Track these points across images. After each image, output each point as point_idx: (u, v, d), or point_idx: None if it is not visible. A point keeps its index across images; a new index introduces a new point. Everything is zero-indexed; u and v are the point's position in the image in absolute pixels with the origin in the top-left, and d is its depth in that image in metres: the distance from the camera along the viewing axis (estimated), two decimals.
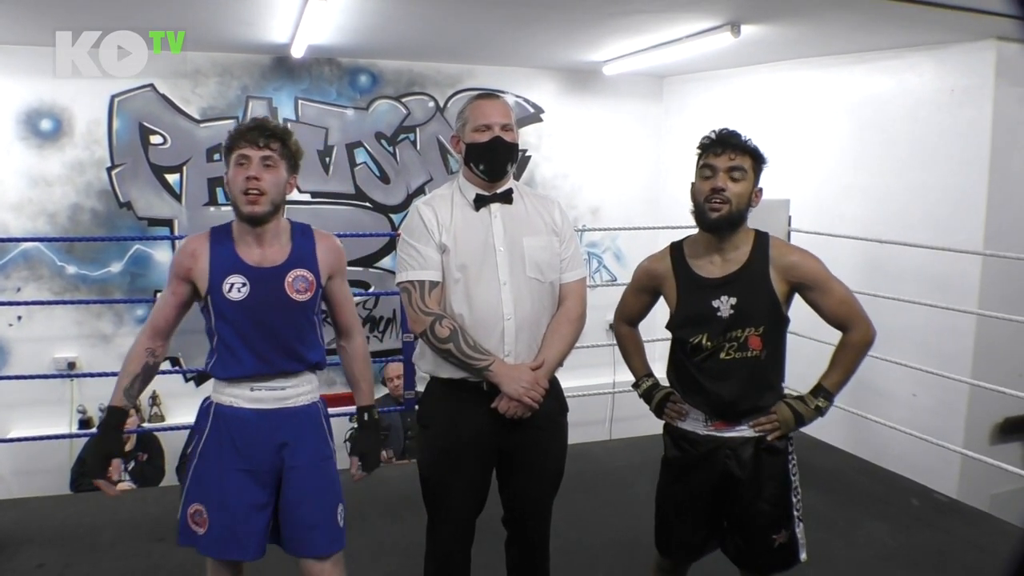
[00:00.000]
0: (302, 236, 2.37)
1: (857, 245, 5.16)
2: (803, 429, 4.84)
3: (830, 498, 4.15)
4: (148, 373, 2.37)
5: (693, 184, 2.35)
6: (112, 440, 2.30)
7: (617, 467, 4.47)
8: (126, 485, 5.07)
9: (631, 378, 2.65)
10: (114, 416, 2.30)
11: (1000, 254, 4.14)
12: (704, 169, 2.31)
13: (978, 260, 4.69)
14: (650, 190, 7.42)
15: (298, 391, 2.34)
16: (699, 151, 2.35)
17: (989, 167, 4.77)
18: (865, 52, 5.52)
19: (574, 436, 2.58)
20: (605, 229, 7.03)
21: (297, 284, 2.29)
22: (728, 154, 2.27)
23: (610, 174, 7.39)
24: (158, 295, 6.17)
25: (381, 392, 6.02)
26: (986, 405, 4.79)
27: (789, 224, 4.82)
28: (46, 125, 5.90)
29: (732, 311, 2.29)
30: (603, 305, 3.22)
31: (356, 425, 2.51)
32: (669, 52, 5.65)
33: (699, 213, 2.31)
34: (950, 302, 4.38)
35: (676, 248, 2.45)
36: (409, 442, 5.45)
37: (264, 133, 2.23)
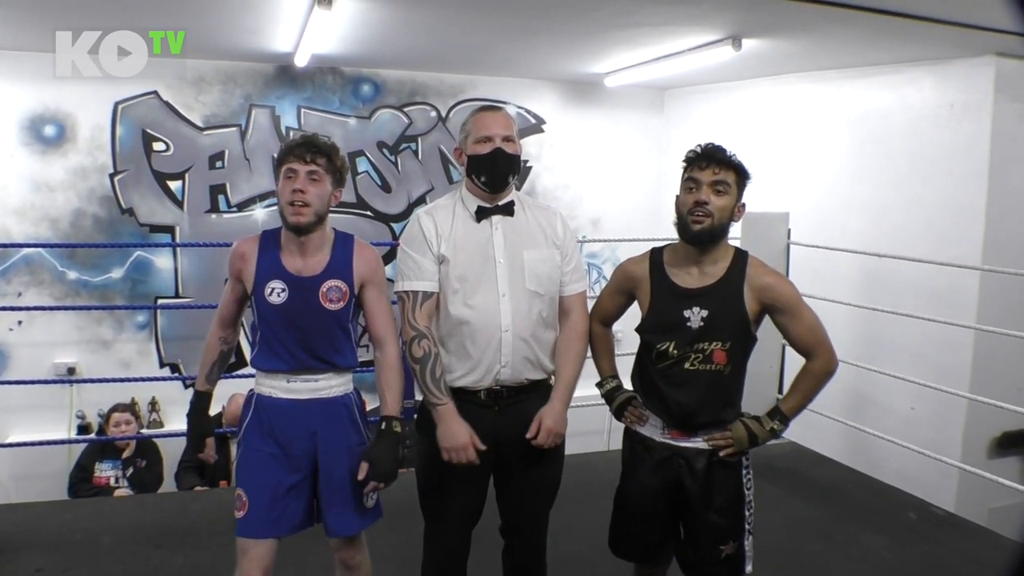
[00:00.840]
0: (342, 247, 2.51)
1: (856, 259, 5.17)
2: (801, 442, 4.85)
3: (827, 511, 4.15)
4: (224, 359, 2.62)
5: (677, 196, 2.39)
6: (203, 422, 2.59)
7: (615, 477, 4.46)
8: (124, 492, 5.07)
9: (631, 387, 2.66)
10: (201, 400, 2.59)
11: (998, 269, 4.15)
12: (688, 182, 2.35)
13: (976, 274, 4.70)
14: (651, 201, 7.44)
15: (330, 383, 2.49)
16: (684, 164, 2.38)
17: (988, 182, 4.79)
18: (865, 67, 5.55)
19: (572, 446, 2.59)
20: (605, 240, 7.05)
21: (331, 294, 2.43)
22: (712, 168, 2.31)
23: (611, 185, 7.42)
24: (160, 301, 6.22)
25: None
26: (984, 419, 4.79)
27: (788, 237, 4.83)
28: (49, 131, 5.93)
29: (702, 323, 2.33)
30: None
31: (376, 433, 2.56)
32: (670, 65, 5.68)
33: (682, 225, 2.35)
34: (949, 316, 4.39)
35: (656, 254, 2.49)
36: (407, 451, 5.45)
37: (311, 149, 2.39)
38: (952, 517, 4.14)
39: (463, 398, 2.43)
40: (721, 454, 2.38)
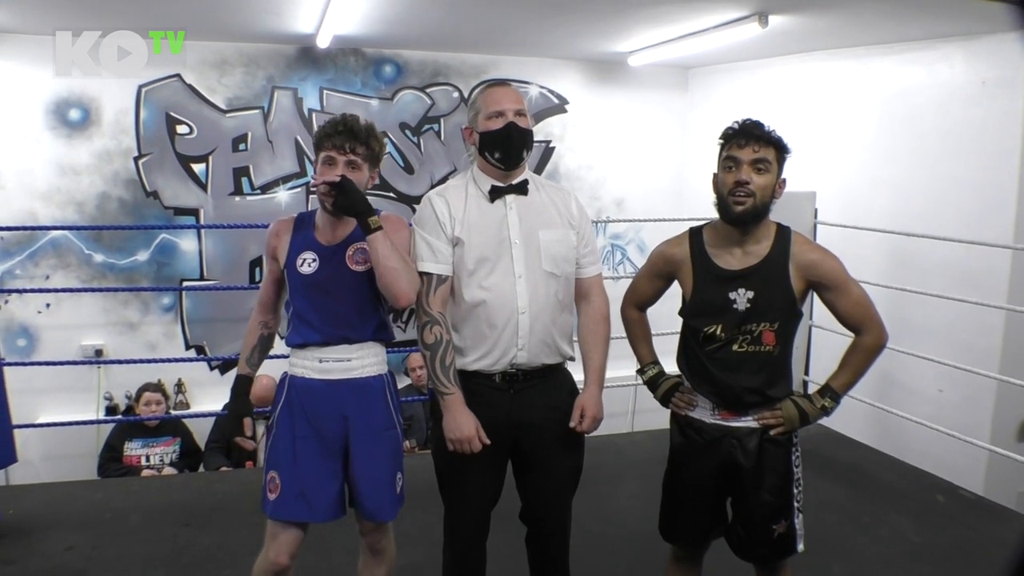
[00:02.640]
0: None
1: (884, 238, 5.10)
2: (828, 424, 4.82)
3: (855, 493, 4.12)
4: (264, 343, 2.62)
5: (715, 175, 2.32)
6: (243, 404, 2.56)
7: (640, 459, 4.46)
8: (170, 470, 5.15)
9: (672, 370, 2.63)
10: (240, 383, 2.58)
11: None
12: (727, 161, 2.28)
13: (1008, 254, 4.62)
14: (675, 182, 7.38)
15: (363, 362, 2.46)
16: (721, 142, 2.32)
17: (1020, 160, 4.69)
18: (895, 43, 5.44)
19: (597, 429, 2.56)
20: (629, 220, 7.01)
21: (357, 256, 2.42)
22: (752, 146, 2.24)
23: (634, 166, 7.36)
24: (185, 284, 6.27)
25: (404, 382, 6.04)
26: (1014, 401, 4.72)
27: (815, 217, 4.78)
28: (75, 115, 5.96)
29: (749, 304, 2.28)
30: None
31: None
32: (695, 43, 5.61)
33: (722, 206, 2.29)
34: (979, 297, 4.32)
35: (696, 234, 2.43)
36: (431, 432, 5.47)
37: (350, 138, 2.37)
38: (981, 500, 4.10)
39: (478, 381, 2.40)
40: (772, 433, 2.34)
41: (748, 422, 2.36)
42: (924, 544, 3.63)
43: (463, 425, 2.31)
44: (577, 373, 2.57)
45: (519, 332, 2.37)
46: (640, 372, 2.61)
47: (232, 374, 2.66)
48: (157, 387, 5.63)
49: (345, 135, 2.36)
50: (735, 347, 2.30)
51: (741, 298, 2.29)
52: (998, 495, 4.21)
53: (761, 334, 2.29)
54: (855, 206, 5.40)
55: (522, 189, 2.44)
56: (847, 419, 4.99)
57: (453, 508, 2.55)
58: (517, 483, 2.57)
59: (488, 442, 2.33)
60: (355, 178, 2.36)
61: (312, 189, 2.64)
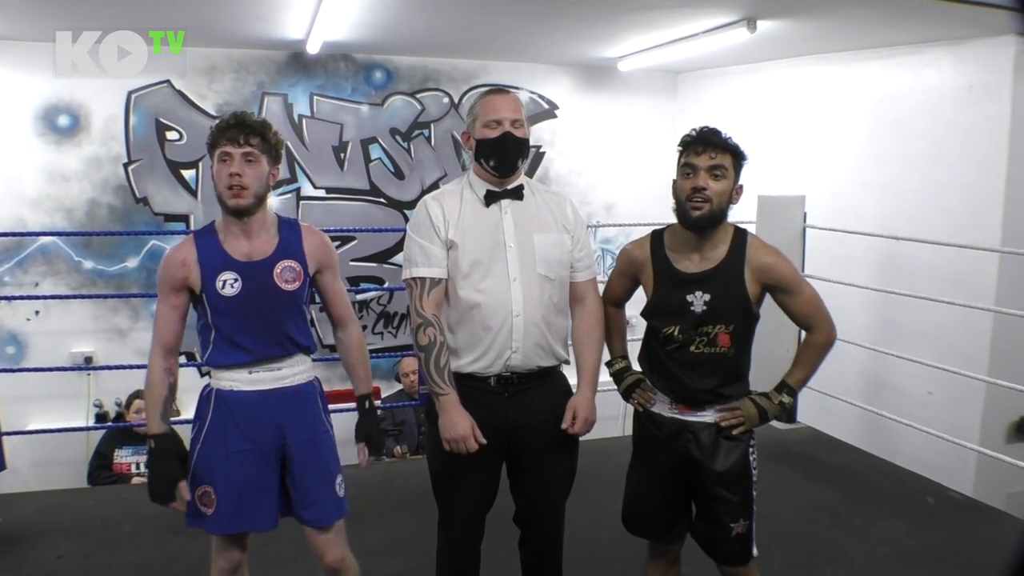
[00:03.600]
0: (289, 229, 2.43)
1: (873, 242, 5.13)
2: (818, 427, 4.84)
3: (845, 496, 4.14)
4: (172, 392, 2.45)
5: (674, 181, 2.39)
6: (171, 466, 2.35)
7: None
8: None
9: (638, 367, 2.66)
10: (162, 443, 2.36)
11: (1018, 251, 4.11)
12: (685, 167, 2.34)
13: (995, 257, 4.65)
14: (664, 187, 7.22)
15: (293, 371, 2.42)
16: (680, 149, 2.38)
17: (1007, 164, 4.73)
18: (882, 48, 5.48)
19: (588, 433, 2.57)
20: (619, 225, 7.00)
21: (285, 275, 2.36)
22: (709, 153, 2.30)
23: (624, 170, 7.38)
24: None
25: (396, 388, 6.04)
26: (1003, 403, 4.75)
27: (805, 221, 4.80)
28: (64, 121, 5.94)
29: (705, 307, 2.34)
30: None
31: (358, 414, 2.56)
32: (684, 48, 5.63)
33: (680, 211, 2.35)
34: (967, 299, 4.35)
35: (656, 237, 2.49)
36: (423, 437, 5.47)
37: (243, 130, 2.29)
38: (970, 502, 4.12)
39: (473, 384, 2.42)
40: (734, 432, 2.39)
41: (704, 417, 2.40)
42: (915, 546, 3.64)
43: (458, 425, 2.32)
44: (572, 376, 2.58)
45: (513, 335, 2.38)
46: (609, 364, 2.65)
47: None
48: None
49: (237, 127, 2.29)
50: (692, 348, 2.36)
51: (698, 300, 2.34)
52: (987, 496, 4.24)
53: (717, 336, 2.35)
54: (844, 210, 5.43)
55: (517, 194, 2.47)
56: (837, 422, 5.02)
57: (447, 511, 2.56)
58: (511, 486, 2.58)
59: (484, 442, 2.34)
60: (253, 172, 2.29)
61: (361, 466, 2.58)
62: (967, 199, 4.92)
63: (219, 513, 2.36)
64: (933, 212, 5.07)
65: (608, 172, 7.37)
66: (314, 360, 2.53)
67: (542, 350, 2.44)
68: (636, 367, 2.59)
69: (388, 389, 6.18)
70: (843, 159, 5.86)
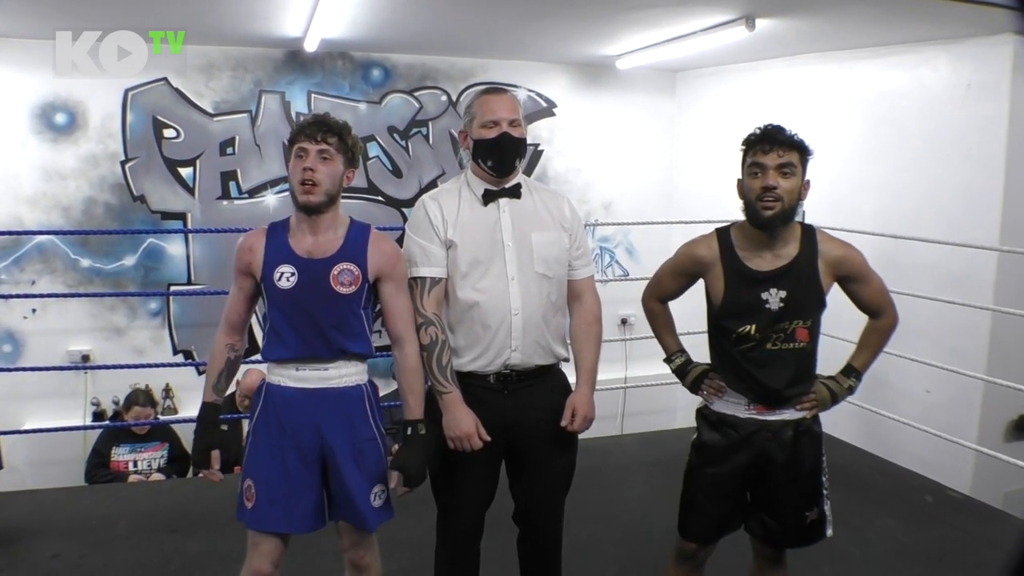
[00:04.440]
0: (358, 232, 2.43)
1: (871, 240, 5.11)
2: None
3: (843, 495, 4.11)
4: (231, 367, 2.49)
5: (740, 181, 2.37)
6: (211, 434, 2.42)
7: (629, 462, 4.47)
8: (157, 476, 5.13)
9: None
10: (208, 411, 2.43)
11: (1016, 250, 4.11)
12: (752, 167, 2.32)
13: (994, 256, 4.66)
14: (663, 185, 7.40)
15: (341, 372, 2.40)
16: (744, 147, 2.36)
17: (1005, 163, 4.73)
18: (880, 46, 5.48)
19: (586, 431, 2.57)
20: (618, 224, 7.02)
21: (342, 277, 2.35)
22: (777, 151, 2.29)
23: (623, 169, 7.37)
24: (172, 288, 6.24)
25: (394, 386, 6.03)
26: (1001, 402, 4.75)
27: (803, 218, 4.78)
28: (60, 119, 5.93)
29: (782, 304, 2.34)
30: (615, 300, 3.22)
31: (400, 439, 2.49)
32: (683, 46, 5.62)
33: (751, 211, 2.33)
34: (965, 298, 4.35)
35: (724, 236, 2.46)
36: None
37: (322, 128, 2.33)
38: (968, 500, 4.12)
39: (472, 382, 2.42)
40: (807, 415, 2.42)
41: (783, 415, 2.41)
42: (912, 544, 3.64)
43: (462, 422, 2.33)
44: (571, 374, 2.58)
45: (512, 333, 2.39)
46: (668, 361, 2.64)
47: None
48: (147, 399, 5.61)
49: (316, 125, 2.34)
50: (769, 345, 2.36)
51: (774, 298, 2.34)
52: (985, 495, 4.24)
53: (795, 331, 2.36)
54: (842, 208, 5.42)
55: (515, 193, 2.48)
56: (835, 420, 4.98)
57: (447, 509, 2.56)
58: (510, 484, 2.59)
59: (488, 439, 2.35)
60: (327, 169, 2.32)
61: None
62: (965, 198, 4.92)
63: (256, 508, 2.37)
64: (931, 211, 5.08)
65: (606, 170, 7.36)
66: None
67: (541, 348, 2.45)
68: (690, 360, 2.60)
69: (386, 387, 6.16)
70: (841, 158, 5.85)
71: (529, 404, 2.45)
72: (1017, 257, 4.28)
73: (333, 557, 2.97)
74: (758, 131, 2.34)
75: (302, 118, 5.68)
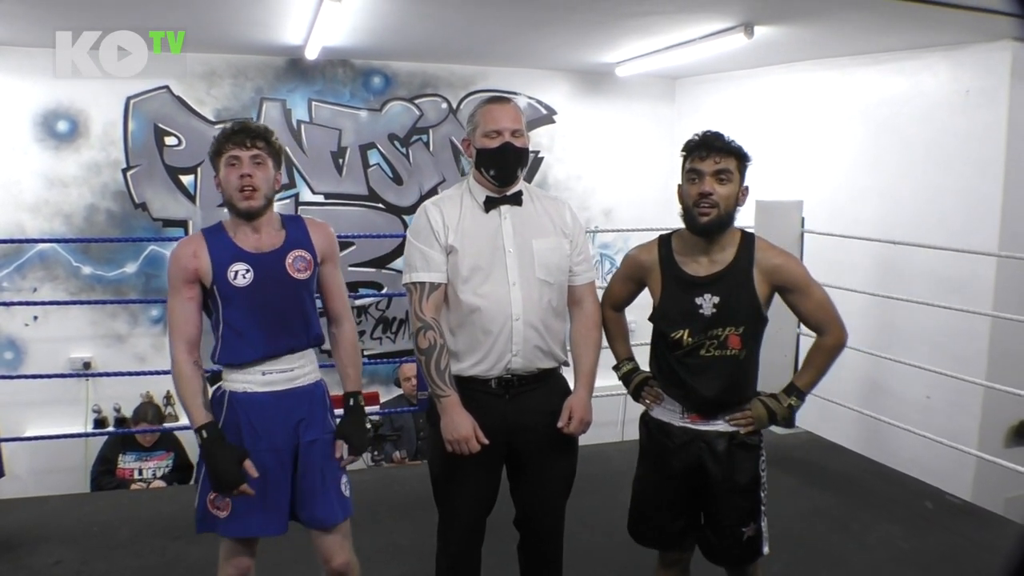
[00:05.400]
0: (293, 223, 2.50)
1: (871, 247, 5.14)
2: (816, 431, 4.84)
3: (843, 500, 4.14)
4: (205, 382, 2.45)
5: (680, 187, 2.39)
6: (232, 448, 2.32)
7: (630, 468, 4.44)
8: (159, 484, 5.13)
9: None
10: (214, 431, 2.34)
11: (1016, 256, 4.11)
12: (690, 173, 2.35)
13: (993, 262, 4.66)
14: (663, 191, 7.38)
15: (304, 371, 2.45)
16: (684, 154, 2.38)
17: (1005, 168, 4.73)
18: (879, 53, 5.49)
19: (586, 437, 2.58)
20: (618, 230, 7.03)
21: (297, 264, 2.41)
22: (713, 157, 2.30)
23: (623, 175, 7.39)
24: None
25: (396, 392, 6.03)
26: (1001, 408, 4.75)
27: (802, 225, 4.80)
28: (62, 127, 5.95)
29: (715, 310, 2.34)
30: None
31: (343, 411, 2.56)
32: (682, 53, 5.64)
33: (688, 217, 2.36)
34: (965, 304, 4.35)
35: (664, 241, 2.50)
36: (422, 443, 5.47)
37: (250, 134, 2.37)
38: (968, 506, 4.12)
39: (474, 387, 2.44)
40: (742, 432, 2.40)
41: (717, 426, 2.41)
42: (912, 550, 3.64)
43: (460, 425, 2.34)
44: (571, 379, 2.59)
45: (513, 338, 2.41)
46: (616, 368, 2.67)
47: None
48: (156, 415, 5.62)
49: (244, 132, 2.37)
50: (703, 352, 2.36)
51: (707, 303, 2.34)
52: (985, 501, 4.24)
53: (727, 339, 2.35)
54: (842, 215, 5.43)
55: (516, 199, 2.50)
56: (835, 426, 5.02)
57: (447, 514, 2.57)
58: (511, 488, 2.60)
59: (487, 442, 2.36)
60: (262, 174, 2.36)
61: None
62: (965, 204, 4.93)
63: (233, 516, 2.37)
64: (931, 217, 5.08)
65: (607, 177, 7.37)
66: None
67: (542, 352, 2.47)
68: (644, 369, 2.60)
69: (387, 394, 6.18)
70: (841, 164, 5.87)
71: (530, 408, 2.46)
72: (1017, 263, 4.28)
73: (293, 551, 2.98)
74: (696, 137, 2.35)
75: (303, 127, 5.68)
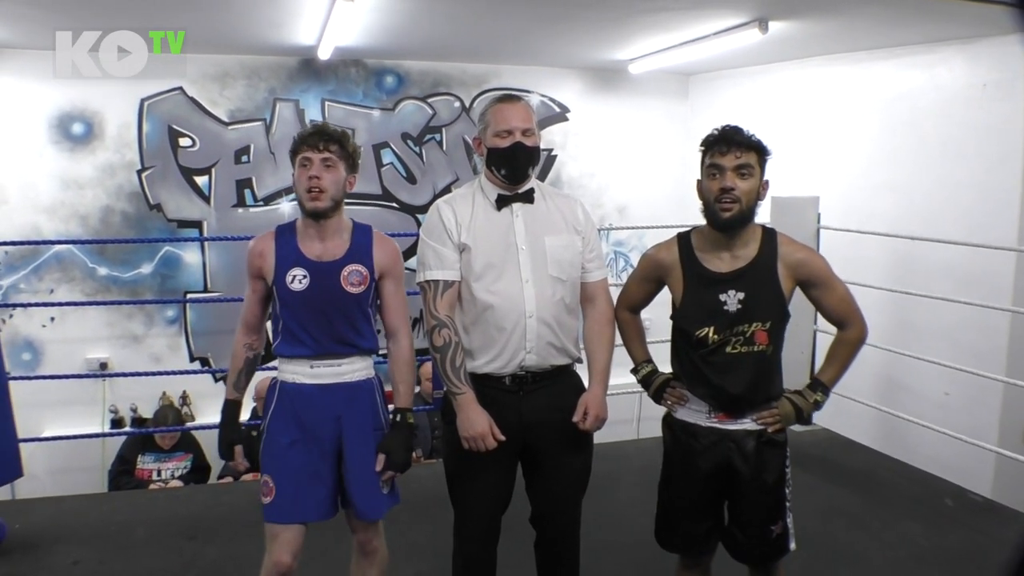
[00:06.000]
0: (362, 234, 2.56)
1: (887, 242, 5.10)
2: (834, 429, 4.80)
3: (863, 498, 4.11)
4: (251, 366, 2.61)
5: (699, 182, 2.37)
6: (234, 431, 2.56)
7: (646, 466, 4.42)
8: (176, 483, 5.16)
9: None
10: (228, 408, 2.58)
11: None
12: (711, 168, 2.32)
13: (1012, 256, 4.62)
14: (677, 188, 7.38)
15: (353, 367, 2.53)
16: (703, 149, 2.36)
17: (1023, 162, 4.69)
18: (895, 47, 5.45)
19: (602, 435, 2.57)
20: (632, 228, 7.01)
21: (352, 278, 2.48)
22: (734, 152, 2.28)
23: (636, 173, 7.37)
24: (188, 296, 6.27)
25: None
26: (1021, 403, 4.70)
27: (818, 221, 4.77)
28: (78, 129, 5.99)
29: (740, 306, 2.31)
30: None
31: (390, 426, 2.59)
32: (696, 50, 5.62)
33: (710, 212, 2.33)
34: (983, 299, 4.31)
35: (684, 239, 2.46)
36: (437, 441, 5.47)
37: (323, 137, 2.44)
38: (989, 503, 4.08)
39: (488, 384, 2.43)
40: (769, 430, 2.37)
41: (745, 424, 2.38)
42: (933, 548, 3.61)
43: (476, 422, 2.34)
44: (585, 377, 2.58)
45: (527, 335, 2.41)
46: (634, 371, 2.64)
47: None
48: (176, 418, 5.65)
49: (318, 135, 2.44)
50: (728, 349, 2.33)
51: (732, 300, 2.32)
52: (1006, 498, 4.19)
53: (753, 334, 2.32)
54: (858, 210, 5.40)
55: (528, 197, 2.50)
56: (854, 424, 4.99)
57: (463, 512, 2.56)
58: (527, 486, 2.59)
59: (503, 438, 2.35)
60: (331, 176, 2.43)
61: None
62: (982, 198, 4.89)
63: (276, 502, 2.46)
64: (948, 211, 5.04)
65: (620, 175, 7.36)
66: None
67: (555, 349, 2.46)
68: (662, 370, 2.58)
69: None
70: (856, 159, 5.83)
71: (545, 405, 2.45)
72: None
73: (336, 540, 2.98)
74: (716, 132, 2.33)
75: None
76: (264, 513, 2.49)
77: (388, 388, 2.61)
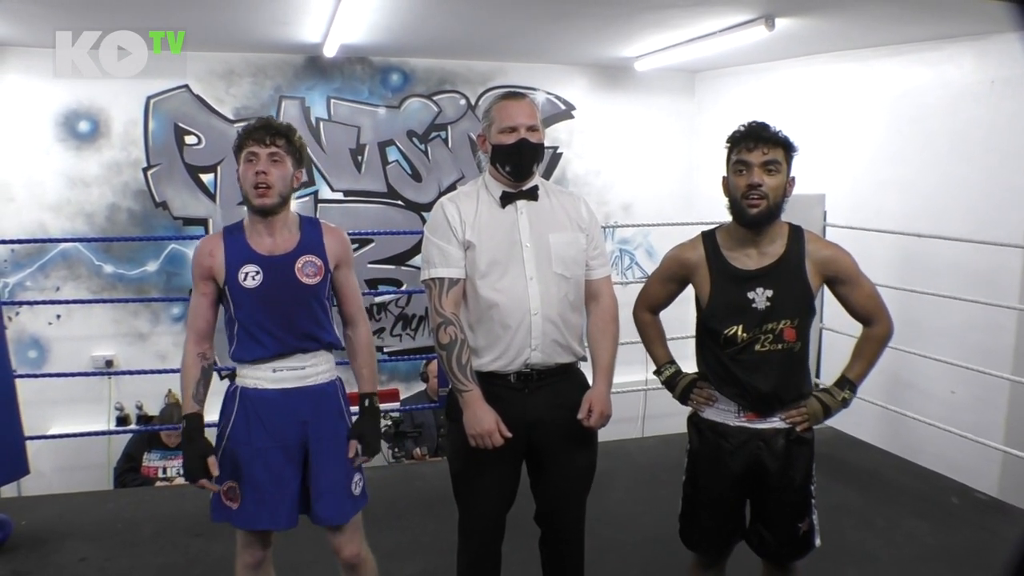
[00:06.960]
0: (310, 226, 2.51)
1: (894, 240, 5.08)
2: (840, 427, 4.80)
3: (869, 497, 4.10)
4: (206, 375, 2.50)
5: (726, 179, 2.34)
6: (201, 444, 2.39)
7: (650, 464, 4.45)
8: (181, 480, 5.17)
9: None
10: (193, 422, 2.41)
11: None
12: (738, 164, 2.29)
13: (1019, 254, 4.60)
14: (683, 186, 7.38)
15: (317, 369, 2.47)
16: (729, 145, 2.33)
17: None
18: (902, 44, 5.43)
19: (607, 433, 2.56)
20: (637, 225, 7.00)
21: (307, 269, 2.42)
22: (761, 148, 2.25)
23: (642, 170, 7.36)
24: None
25: (416, 389, 6.04)
26: None
27: (824, 219, 4.76)
28: (84, 127, 6.00)
29: (768, 303, 2.29)
30: (635, 302, 3.18)
31: (358, 411, 2.57)
32: (702, 47, 5.61)
33: (736, 209, 2.30)
34: (990, 297, 4.30)
35: (709, 237, 2.44)
36: (442, 439, 5.47)
37: (270, 131, 2.38)
38: (995, 502, 4.07)
39: (494, 382, 2.43)
40: (798, 429, 2.36)
41: (774, 423, 2.36)
42: (939, 546, 3.60)
43: (483, 419, 2.33)
44: (589, 375, 2.58)
45: (532, 333, 2.40)
46: (657, 373, 2.62)
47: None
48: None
49: (264, 129, 2.38)
50: (757, 347, 2.31)
51: (760, 297, 2.30)
52: (1013, 496, 4.18)
53: (783, 332, 2.30)
54: (864, 208, 5.38)
55: (532, 194, 2.49)
56: (860, 422, 4.97)
57: (468, 510, 2.56)
58: (532, 484, 2.58)
59: (509, 435, 2.34)
60: (278, 171, 2.37)
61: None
62: (989, 195, 4.87)
63: (244, 508, 2.42)
64: (955, 209, 5.02)
65: (625, 172, 7.35)
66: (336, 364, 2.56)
67: (560, 347, 2.46)
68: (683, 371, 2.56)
69: (407, 391, 6.19)
70: (863, 157, 5.81)
71: (549, 403, 2.45)
72: None
73: (312, 546, 2.98)
74: (742, 128, 2.30)
75: (322, 125, 5.70)
76: (231, 520, 2.45)
77: (351, 390, 2.57)
